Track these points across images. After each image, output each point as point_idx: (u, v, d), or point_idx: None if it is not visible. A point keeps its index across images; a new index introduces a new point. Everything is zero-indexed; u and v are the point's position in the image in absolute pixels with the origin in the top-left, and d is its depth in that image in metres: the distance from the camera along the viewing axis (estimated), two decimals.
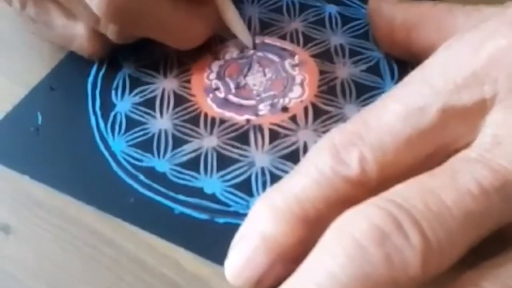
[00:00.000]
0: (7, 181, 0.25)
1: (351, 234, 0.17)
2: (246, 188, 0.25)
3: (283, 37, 0.30)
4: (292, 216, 0.19)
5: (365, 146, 0.19)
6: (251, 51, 0.30)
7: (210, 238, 0.24)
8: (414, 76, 0.21)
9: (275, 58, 0.29)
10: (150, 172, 0.25)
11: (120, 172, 0.25)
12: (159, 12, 0.26)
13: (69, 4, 0.27)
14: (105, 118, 0.27)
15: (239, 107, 0.27)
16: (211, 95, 0.28)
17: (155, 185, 0.25)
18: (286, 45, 0.30)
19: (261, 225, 0.19)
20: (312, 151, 0.21)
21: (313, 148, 0.21)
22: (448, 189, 0.17)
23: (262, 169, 0.25)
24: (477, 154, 0.18)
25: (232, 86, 0.28)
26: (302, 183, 0.19)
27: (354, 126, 0.20)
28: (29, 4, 0.28)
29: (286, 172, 0.25)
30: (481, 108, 0.19)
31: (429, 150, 0.20)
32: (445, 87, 0.20)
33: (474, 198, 0.17)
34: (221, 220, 0.24)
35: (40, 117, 0.27)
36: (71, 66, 0.29)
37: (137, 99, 0.28)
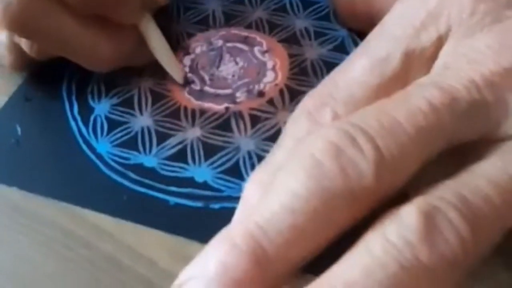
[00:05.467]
0: None
1: (309, 152, 0.17)
2: (235, 172, 0.25)
3: (248, 27, 0.31)
4: None
5: (336, 103, 0.20)
6: (220, 42, 0.30)
7: (207, 224, 0.24)
8: (376, 32, 0.22)
9: (244, 47, 0.30)
10: (139, 169, 0.26)
11: (109, 172, 0.26)
12: (62, 27, 0.26)
13: None
14: (86, 122, 0.27)
15: (217, 97, 0.28)
16: (187, 88, 0.29)
17: (146, 181, 0.25)
18: (253, 33, 0.31)
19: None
20: (289, 122, 0.21)
21: (290, 119, 0.21)
22: (401, 108, 0.18)
23: (249, 153, 0.26)
24: (429, 79, 0.20)
25: (206, 78, 0.29)
26: (284, 155, 0.20)
27: (324, 88, 0.21)
28: None
29: None
30: (438, 47, 0.21)
31: None
32: (404, 34, 0.21)
33: (424, 115, 0.18)
34: (216, 205, 0.24)
35: (19, 129, 0.27)
36: (44, 74, 0.29)
37: (114, 100, 0.28)
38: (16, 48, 0.28)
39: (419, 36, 0.21)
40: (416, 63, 0.21)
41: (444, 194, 0.17)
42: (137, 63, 0.29)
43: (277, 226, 0.17)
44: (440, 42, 0.21)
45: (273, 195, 0.17)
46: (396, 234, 0.16)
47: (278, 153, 0.21)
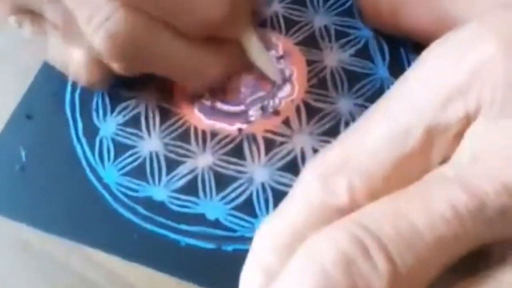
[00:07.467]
0: None
1: (317, 260, 0.16)
2: (248, 209, 0.24)
3: (263, 24, 0.28)
4: (291, 250, 0.19)
5: (353, 174, 0.18)
6: None
7: (220, 268, 0.23)
8: (397, 92, 0.20)
9: None
10: (148, 203, 0.25)
11: (117, 206, 0.25)
12: (172, 52, 0.24)
13: (69, 35, 0.25)
14: (91, 145, 0.26)
15: (229, 116, 0.26)
16: (197, 104, 0.27)
17: (155, 217, 0.24)
18: (268, 34, 0.28)
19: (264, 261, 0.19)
20: (300, 185, 0.19)
21: (300, 181, 0.19)
22: (421, 212, 0.16)
23: (263, 185, 0.25)
24: (454, 172, 0.18)
25: (217, 90, 0.27)
26: (295, 218, 0.19)
27: (338, 153, 0.19)
28: (26, 24, 0.26)
29: (286, 185, 0.24)
30: (465, 124, 0.18)
31: (418, 170, 0.19)
32: (428, 105, 0.18)
33: (447, 222, 0.16)
34: (229, 247, 0.24)
35: (23, 153, 0.26)
36: (43, 88, 0.28)
37: (120, 118, 0.27)
38: (97, 65, 0.25)
39: (444, 111, 0.18)
40: (439, 139, 0.18)
41: None
42: (238, 73, 0.27)
43: None
44: (468, 120, 0.18)
45: None
46: None
47: (291, 210, 0.19)
